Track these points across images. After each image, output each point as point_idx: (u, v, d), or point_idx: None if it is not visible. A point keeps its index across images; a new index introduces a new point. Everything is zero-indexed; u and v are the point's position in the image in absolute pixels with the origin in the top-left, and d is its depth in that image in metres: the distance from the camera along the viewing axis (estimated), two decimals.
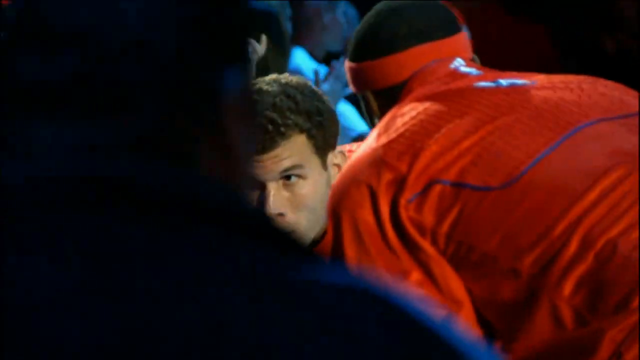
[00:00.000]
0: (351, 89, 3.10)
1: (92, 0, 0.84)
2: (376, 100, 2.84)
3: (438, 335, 0.72)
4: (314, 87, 2.89)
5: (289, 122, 2.66)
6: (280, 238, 0.81)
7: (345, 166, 2.81)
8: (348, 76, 2.91)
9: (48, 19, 0.83)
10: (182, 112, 0.83)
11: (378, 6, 2.98)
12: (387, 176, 2.67)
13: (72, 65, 0.81)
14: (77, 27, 0.82)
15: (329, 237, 2.74)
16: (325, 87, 4.81)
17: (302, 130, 2.66)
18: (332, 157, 2.82)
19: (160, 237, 0.75)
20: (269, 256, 0.76)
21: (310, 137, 2.69)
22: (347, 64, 2.89)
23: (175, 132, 0.82)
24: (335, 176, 2.78)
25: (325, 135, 2.73)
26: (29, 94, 0.83)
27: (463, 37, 2.90)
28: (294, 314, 0.71)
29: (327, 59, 5.32)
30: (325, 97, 2.89)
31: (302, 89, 2.72)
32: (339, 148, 2.86)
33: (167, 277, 0.73)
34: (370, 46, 2.83)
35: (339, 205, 2.71)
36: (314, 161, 2.72)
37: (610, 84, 2.85)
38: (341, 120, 3.45)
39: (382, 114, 2.75)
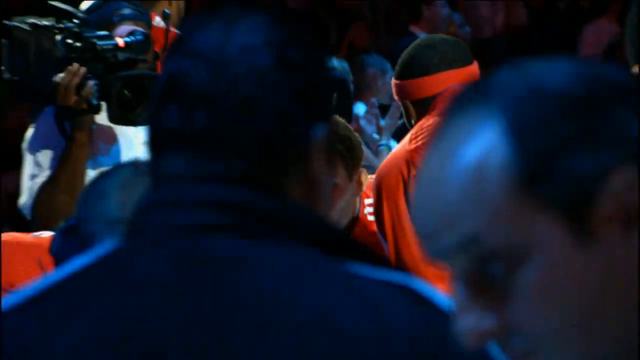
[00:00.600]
0: (395, 98, 4.13)
1: (217, 70, 1.10)
2: (413, 108, 3.81)
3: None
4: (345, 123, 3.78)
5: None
6: (351, 247, 1.15)
7: (390, 153, 3.98)
8: (393, 89, 3.94)
9: (186, 84, 1.11)
10: (277, 155, 1.11)
11: (418, 40, 4.24)
12: (413, 172, 3.62)
13: (201, 121, 1.09)
14: (205, 92, 1.09)
15: (363, 215, 3.79)
16: (382, 122, 5.88)
17: (338, 153, 3.30)
18: (355, 173, 3.64)
19: (272, 245, 1.09)
20: (344, 260, 1.11)
21: (342, 157, 3.46)
22: (393, 81, 3.93)
23: (271, 169, 1.11)
24: (356, 189, 3.65)
25: (352, 156, 3.56)
26: (170, 137, 1.12)
27: (475, 67, 3.87)
28: (353, 297, 1.07)
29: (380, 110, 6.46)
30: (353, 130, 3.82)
31: (340, 124, 3.46)
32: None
33: (285, 272, 1.09)
34: (411, 69, 3.84)
35: (381, 182, 3.75)
36: (342, 174, 3.47)
37: None
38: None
39: (418, 119, 3.78)
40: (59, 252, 2.26)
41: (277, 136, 1.11)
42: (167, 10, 4.32)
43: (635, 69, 7.27)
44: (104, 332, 1.09)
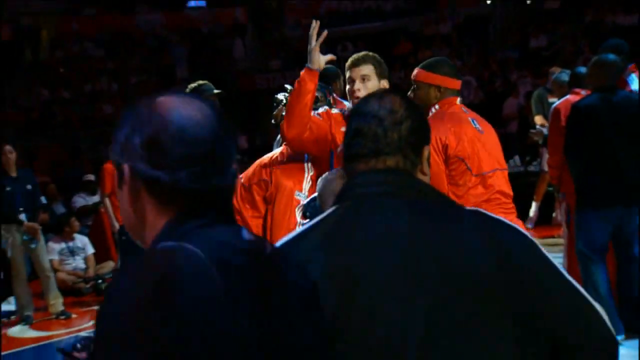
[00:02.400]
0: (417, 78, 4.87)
1: (379, 121, 2.03)
2: (429, 91, 4.74)
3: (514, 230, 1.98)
4: None
5: None
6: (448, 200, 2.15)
7: None
8: (420, 75, 4.82)
9: (371, 130, 2.04)
10: (413, 161, 2.06)
11: (440, 58, 5.35)
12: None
13: (374, 147, 2.04)
14: (376, 133, 2.03)
15: None
16: None
17: None
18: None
19: (429, 204, 2.01)
20: (459, 205, 2.10)
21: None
22: (419, 70, 4.85)
23: (412, 165, 2.06)
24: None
25: None
26: (359, 155, 2.06)
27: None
28: (463, 224, 1.95)
29: None
30: None
31: None
32: None
33: (444, 213, 2.01)
34: (434, 66, 4.82)
35: None
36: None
37: None
38: None
39: (436, 102, 4.75)
40: (308, 211, 3.60)
41: (413, 151, 2.05)
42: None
43: (537, 119, 8.53)
44: (344, 260, 1.88)
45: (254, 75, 23.66)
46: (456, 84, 4.76)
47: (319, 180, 3.48)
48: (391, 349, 1.81)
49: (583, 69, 7.35)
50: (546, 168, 8.60)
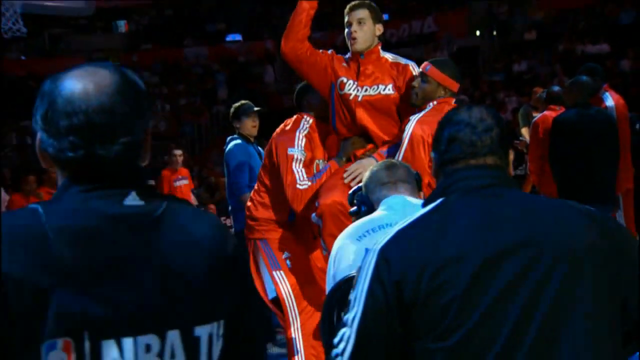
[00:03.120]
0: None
1: (472, 128, 1.99)
2: (437, 89, 4.33)
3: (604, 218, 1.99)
4: None
5: None
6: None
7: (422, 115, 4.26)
8: (432, 72, 4.36)
9: (460, 135, 2.00)
10: (505, 158, 2.02)
11: (448, 59, 5.22)
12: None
13: (464, 150, 2.00)
14: (471, 139, 1.99)
15: None
16: None
17: None
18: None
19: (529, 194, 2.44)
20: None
21: None
22: (432, 67, 4.36)
23: (503, 162, 2.01)
24: None
25: None
26: (458, 156, 1.99)
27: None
28: (563, 207, 1.96)
29: None
30: None
31: None
32: None
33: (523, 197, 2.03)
34: (446, 67, 4.42)
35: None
36: None
37: None
38: None
39: (437, 97, 4.33)
40: (356, 199, 3.28)
41: (503, 151, 2.02)
42: None
43: (523, 131, 8.24)
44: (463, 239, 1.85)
45: (281, 96, 23.61)
46: (457, 86, 4.48)
47: (367, 172, 3.24)
48: (517, 324, 1.76)
49: (557, 88, 7.40)
50: None
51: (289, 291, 4.65)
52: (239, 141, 6.53)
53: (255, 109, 6.70)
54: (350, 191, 3.54)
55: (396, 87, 4.44)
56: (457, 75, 4.42)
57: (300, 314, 4.64)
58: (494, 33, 23.09)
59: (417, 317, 1.80)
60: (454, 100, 4.48)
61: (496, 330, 1.77)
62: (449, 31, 24.57)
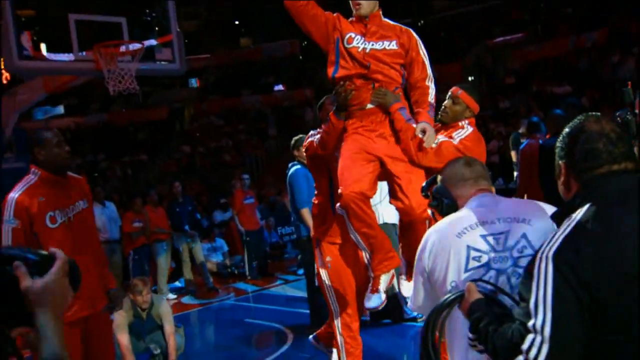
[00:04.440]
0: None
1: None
2: (465, 110, 3.88)
3: None
4: None
5: None
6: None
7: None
8: (464, 95, 3.92)
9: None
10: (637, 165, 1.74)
11: (472, 86, 4.53)
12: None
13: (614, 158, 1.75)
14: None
15: None
16: None
17: None
18: None
19: None
20: None
21: None
22: (462, 91, 3.92)
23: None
24: None
25: None
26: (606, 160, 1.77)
27: None
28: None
29: None
30: None
31: None
32: None
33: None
34: (474, 92, 3.97)
35: None
36: None
37: None
38: None
39: (465, 119, 3.89)
40: (434, 190, 2.66)
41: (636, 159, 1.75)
42: None
43: (512, 154, 7.66)
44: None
45: None
46: (478, 109, 4.01)
47: (447, 168, 2.66)
48: None
49: (535, 118, 7.47)
50: None
51: (329, 286, 4.46)
52: (298, 166, 6.50)
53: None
54: (425, 183, 3.15)
55: (399, 44, 3.83)
56: (479, 100, 4.04)
57: (339, 307, 4.44)
58: (482, 79, 23.07)
59: (612, 314, 1.58)
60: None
61: None
62: (447, 78, 24.58)
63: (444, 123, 3.97)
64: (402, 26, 3.93)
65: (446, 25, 27.64)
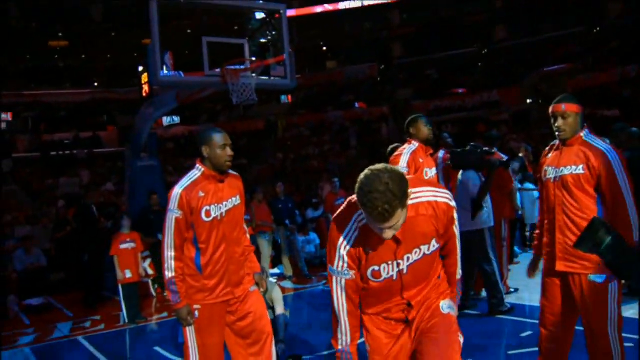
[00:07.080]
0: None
1: None
2: (577, 119, 3.33)
3: None
4: None
5: None
6: None
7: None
8: (572, 107, 3.36)
9: None
10: None
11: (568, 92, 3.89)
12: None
13: None
14: None
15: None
16: None
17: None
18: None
19: None
20: None
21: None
22: (568, 103, 3.38)
23: None
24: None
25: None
26: None
27: None
28: None
29: None
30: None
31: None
32: None
33: None
34: (572, 98, 3.44)
35: None
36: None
37: None
38: None
39: (584, 128, 3.36)
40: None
41: None
42: None
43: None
44: None
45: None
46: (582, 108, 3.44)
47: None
48: None
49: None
50: None
51: None
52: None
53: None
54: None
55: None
56: (580, 102, 3.46)
57: None
58: (540, 101, 22.24)
59: None
60: None
61: None
62: (507, 100, 23.87)
63: (566, 139, 3.38)
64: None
65: (506, 54, 26.98)
